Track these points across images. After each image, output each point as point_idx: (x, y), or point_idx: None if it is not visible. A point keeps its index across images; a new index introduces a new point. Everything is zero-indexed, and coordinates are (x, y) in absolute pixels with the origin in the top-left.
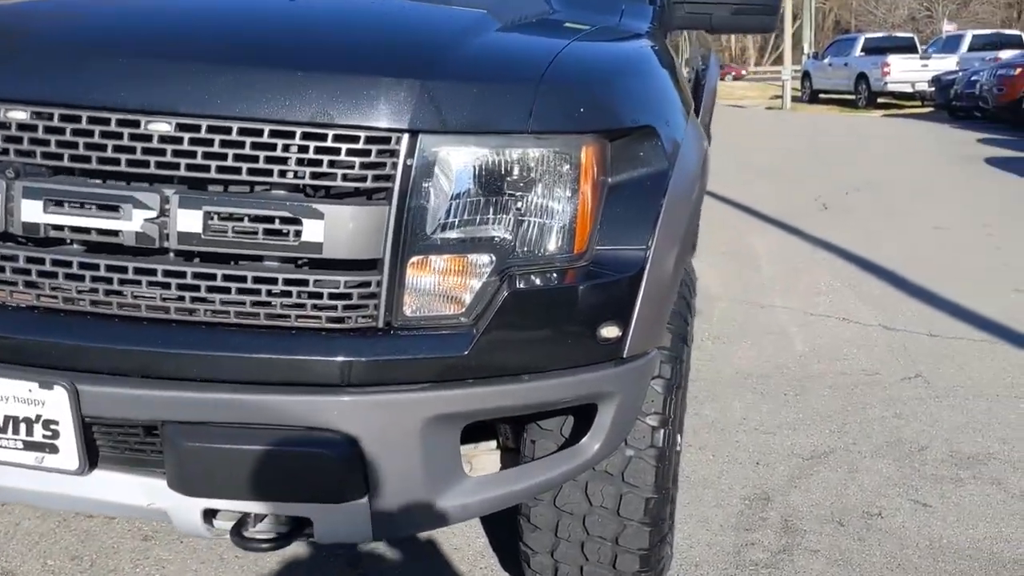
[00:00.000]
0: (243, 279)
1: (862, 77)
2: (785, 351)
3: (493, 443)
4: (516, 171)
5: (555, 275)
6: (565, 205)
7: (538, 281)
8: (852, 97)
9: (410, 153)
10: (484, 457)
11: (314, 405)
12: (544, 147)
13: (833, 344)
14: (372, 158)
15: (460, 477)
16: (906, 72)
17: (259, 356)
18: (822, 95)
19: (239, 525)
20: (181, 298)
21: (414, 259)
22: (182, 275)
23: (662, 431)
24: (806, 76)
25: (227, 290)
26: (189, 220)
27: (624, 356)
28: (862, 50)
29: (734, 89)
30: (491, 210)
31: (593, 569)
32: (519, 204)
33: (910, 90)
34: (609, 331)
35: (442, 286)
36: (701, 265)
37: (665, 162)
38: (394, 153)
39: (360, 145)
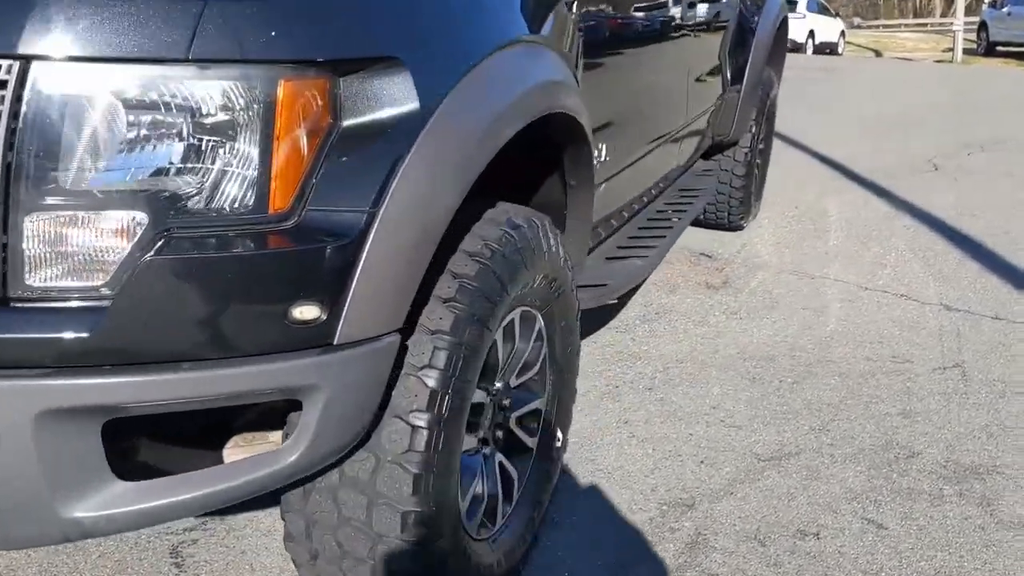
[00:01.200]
0: None
1: None
2: (811, 330)
3: None
4: (176, 111)
5: (228, 240)
6: (251, 155)
7: (199, 247)
8: None
9: (21, 85)
10: None
11: None
12: (216, 80)
13: (874, 324)
14: None
15: (104, 483)
16: None
17: None
18: (999, 48)
19: None
20: None
21: (35, 217)
22: None
23: (426, 433)
24: (983, 27)
25: None
26: None
27: (335, 343)
28: None
29: (906, 41)
30: (145, 158)
31: (394, 568)
32: (185, 152)
33: None
34: (304, 312)
35: (77, 251)
36: (758, 230)
37: (415, 103)
38: (1, 85)
39: None
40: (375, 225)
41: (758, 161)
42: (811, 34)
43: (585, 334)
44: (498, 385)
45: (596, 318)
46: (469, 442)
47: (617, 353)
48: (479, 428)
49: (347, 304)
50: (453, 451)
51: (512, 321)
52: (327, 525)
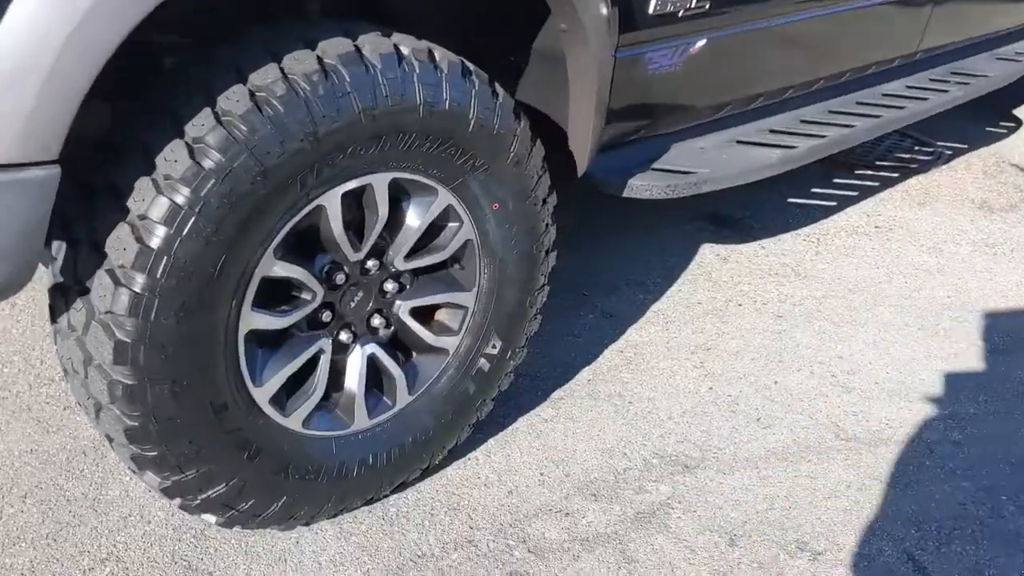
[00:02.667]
0: None
1: None
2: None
3: None
4: None
5: None
6: None
7: None
8: None
9: None
10: None
11: None
12: None
13: None
14: None
15: None
16: None
17: None
18: None
19: None
20: None
21: None
22: None
23: (130, 295)
24: None
25: None
26: None
27: None
28: None
29: None
30: None
31: (116, 438)
32: None
33: None
34: None
35: None
36: None
37: None
38: None
39: None
40: None
41: None
42: None
43: (760, 234)
44: (371, 263)
45: (784, 219)
46: (276, 321)
47: (780, 266)
48: (303, 308)
49: None
50: (198, 323)
51: (368, 188)
52: (70, 372)
